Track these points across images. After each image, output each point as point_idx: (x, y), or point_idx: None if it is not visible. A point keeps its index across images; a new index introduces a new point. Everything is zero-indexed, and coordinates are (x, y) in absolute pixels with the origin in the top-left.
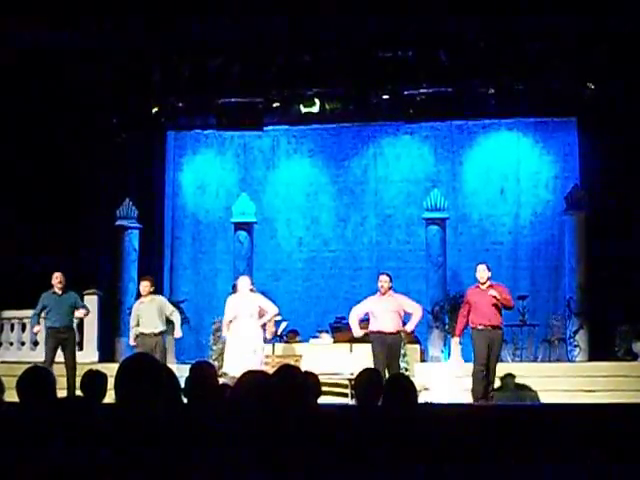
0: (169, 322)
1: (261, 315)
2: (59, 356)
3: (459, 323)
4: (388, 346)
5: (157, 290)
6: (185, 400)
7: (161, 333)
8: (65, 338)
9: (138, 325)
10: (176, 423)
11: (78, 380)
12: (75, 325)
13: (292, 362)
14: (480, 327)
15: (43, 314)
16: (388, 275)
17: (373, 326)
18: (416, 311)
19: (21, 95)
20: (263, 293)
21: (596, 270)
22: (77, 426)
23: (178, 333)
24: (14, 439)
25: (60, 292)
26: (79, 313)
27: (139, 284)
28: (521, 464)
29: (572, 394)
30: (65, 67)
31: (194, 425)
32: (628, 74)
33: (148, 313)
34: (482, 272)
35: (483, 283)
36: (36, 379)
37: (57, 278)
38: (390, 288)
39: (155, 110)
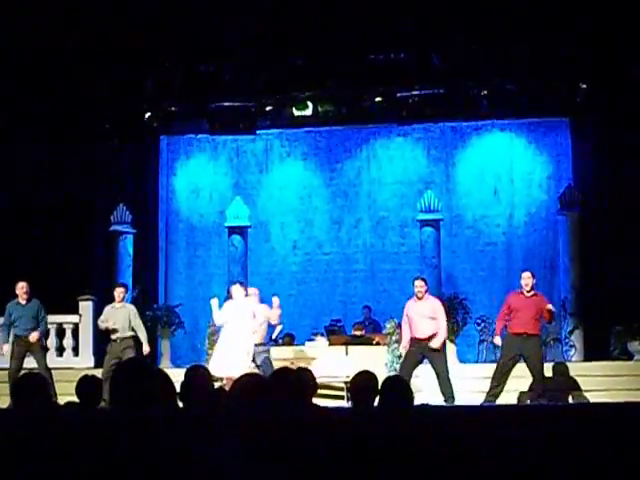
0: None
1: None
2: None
3: (498, 325)
4: (423, 352)
5: (152, 295)
6: (181, 404)
7: (130, 337)
8: (31, 344)
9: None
10: (172, 427)
11: (59, 385)
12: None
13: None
14: (515, 333)
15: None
16: (422, 279)
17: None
18: (440, 325)
19: (13, 99)
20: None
21: (590, 270)
22: (72, 432)
23: (146, 348)
24: (9, 446)
25: (24, 302)
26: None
27: (114, 289)
28: (518, 464)
29: (567, 394)
30: (58, 72)
31: (190, 429)
32: (620, 74)
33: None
34: (527, 279)
35: (529, 291)
36: (31, 385)
37: (22, 288)
38: (427, 291)
39: (148, 115)
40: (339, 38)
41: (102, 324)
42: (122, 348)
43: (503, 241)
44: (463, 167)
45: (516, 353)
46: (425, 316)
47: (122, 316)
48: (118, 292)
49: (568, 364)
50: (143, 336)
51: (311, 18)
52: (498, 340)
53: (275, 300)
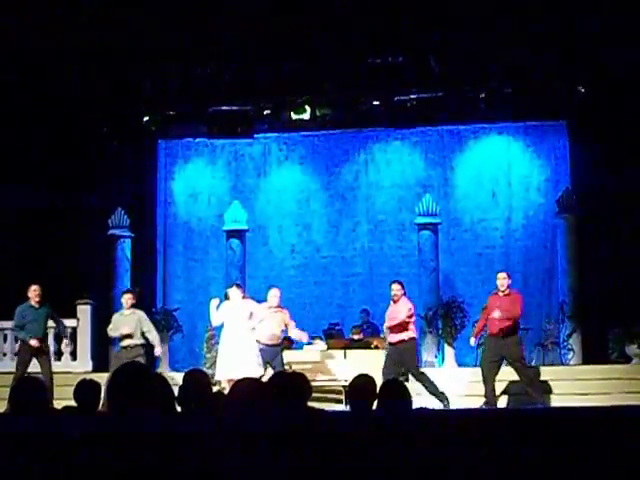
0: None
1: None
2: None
3: (477, 326)
4: (393, 355)
5: (150, 299)
6: (179, 408)
7: (141, 345)
8: (38, 348)
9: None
10: (170, 431)
11: (57, 389)
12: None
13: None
14: (490, 334)
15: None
16: (399, 283)
17: None
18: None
19: (12, 100)
20: (258, 301)
21: (588, 273)
22: (69, 436)
23: (158, 350)
24: (9, 450)
25: (37, 305)
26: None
27: (121, 297)
28: (518, 468)
29: (566, 397)
30: (57, 74)
31: (188, 433)
32: (618, 76)
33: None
34: (502, 280)
35: (503, 291)
36: (29, 389)
37: (35, 291)
38: (403, 295)
39: (146, 119)
40: (337, 42)
41: (114, 332)
42: (133, 355)
43: (501, 244)
44: (461, 170)
45: (497, 355)
46: (394, 320)
47: (133, 323)
48: (126, 298)
49: (566, 367)
50: (156, 338)
51: (309, 22)
52: (472, 341)
53: (304, 336)
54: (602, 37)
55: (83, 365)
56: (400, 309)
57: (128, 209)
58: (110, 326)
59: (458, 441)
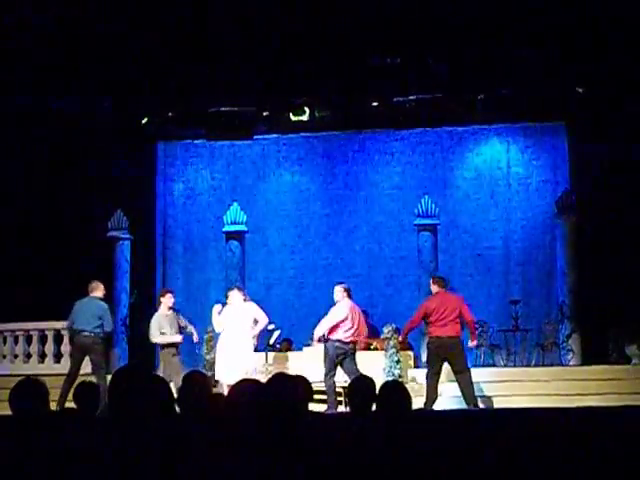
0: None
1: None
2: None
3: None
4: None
5: (150, 301)
6: (178, 410)
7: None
8: None
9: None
10: (170, 433)
11: (56, 391)
12: None
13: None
14: None
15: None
16: (340, 285)
17: None
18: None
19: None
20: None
21: (588, 274)
22: (71, 438)
23: (196, 337)
24: (7, 452)
25: None
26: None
27: (162, 296)
28: (516, 468)
29: (565, 398)
30: (56, 75)
31: (188, 435)
32: (616, 77)
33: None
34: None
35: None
36: (29, 391)
37: (104, 290)
38: (347, 297)
39: (144, 121)
40: (336, 43)
41: (160, 339)
42: (177, 352)
43: (500, 245)
44: (460, 171)
45: None
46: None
47: (175, 322)
48: (169, 297)
49: (566, 368)
50: (193, 329)
51: (308, 23)
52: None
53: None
54: (602, 37)
55: (83, 367)
56: (331, 311)
57: (127, 211)
58: (154, 330)
59: (457, 441)
